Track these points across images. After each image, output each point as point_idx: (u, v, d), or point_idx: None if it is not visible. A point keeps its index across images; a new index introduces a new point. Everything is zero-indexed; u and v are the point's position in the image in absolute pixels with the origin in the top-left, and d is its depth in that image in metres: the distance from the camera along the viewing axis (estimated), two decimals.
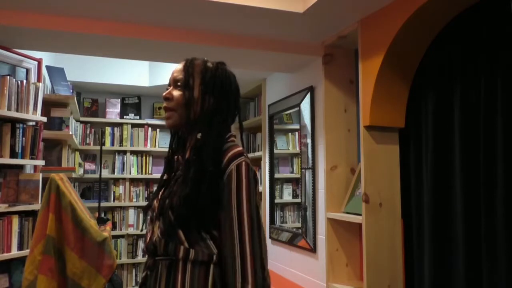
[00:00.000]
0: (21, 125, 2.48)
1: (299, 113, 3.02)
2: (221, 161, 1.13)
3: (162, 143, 4.52)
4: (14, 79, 2.44)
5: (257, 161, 4.00)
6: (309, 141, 2.87)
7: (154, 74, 4.23)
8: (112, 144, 4.38)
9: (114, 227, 4.31)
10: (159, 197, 1.22)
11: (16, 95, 2.45)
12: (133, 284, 4.36)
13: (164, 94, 1.23)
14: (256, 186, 1.15)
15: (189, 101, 1.19)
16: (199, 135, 1.20)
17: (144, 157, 4.48)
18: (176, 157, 1.28)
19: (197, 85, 1.21)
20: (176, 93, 1.21)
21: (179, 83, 1.22)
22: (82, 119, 4.26)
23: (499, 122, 1.75)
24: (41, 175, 2.60)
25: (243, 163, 1.12)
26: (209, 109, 1.21)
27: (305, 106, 2.93)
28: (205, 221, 1.11)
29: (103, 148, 4.18)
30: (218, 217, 1.12)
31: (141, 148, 4.46)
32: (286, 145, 3.36)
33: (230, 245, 1.08)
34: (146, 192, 4.47)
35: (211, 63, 1.26)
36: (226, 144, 1.18)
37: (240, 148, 1.16)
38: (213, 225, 1.12)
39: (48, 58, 3.37)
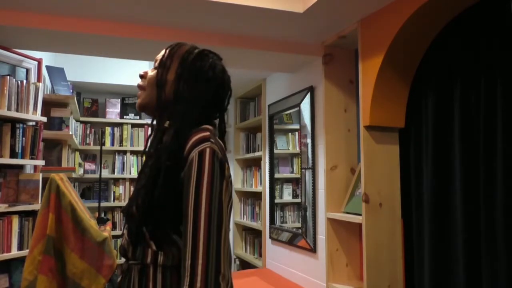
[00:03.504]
0: (21, 125, 2.48)
1: (299, 113, 3.02)
2: (182, 150, 1.00)
3: None
4: (14, 79, 2.44)
5: (257, 161, 4.00)
6: (309, 141, 2.87)
7: None
8: (112, 144, 4.39)
9: (114, 227, 4.31)
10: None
11: (16, 95, 2.45)
12: None
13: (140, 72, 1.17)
14: (223, 176, 0.98)
15: (160, 81, 1.10)
16: (167, 123, 1.09)
17: (144, 157, 4.47)
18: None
19: (174, 67, 1.11)
20: (151, 72, 1.14)
21: (157, 63, 1.14)
22: (82, 119, 4.26)
23: (499, 122, 1.75)
24: (41, 175, 2.60)
25: (207, 149, 0.97)
26: (181, 95, 1.08)
27: (305, 106, 2.93)
28: (169, 220, 0.99)
29: (103, 148, 4.18)
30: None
31: (141, 148, 4.46)
32: (286, 145, 3.36)
33: (184, 245, 0.94)
34: None
35: (199, 50, 1.15)
36: (192, 131, 1.04)
37: (206, 133, 1.01)
38: (181, 223, 0.99)
39: (48, 58, 3.37)
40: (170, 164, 0.99)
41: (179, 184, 0.98)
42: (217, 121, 1.17)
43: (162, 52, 1.16)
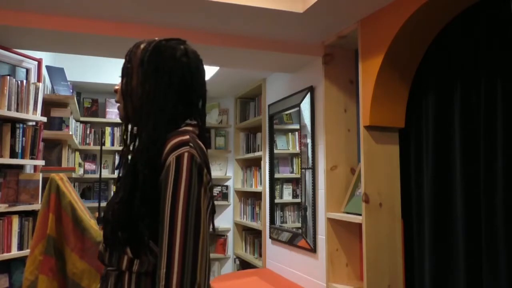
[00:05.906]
0: (21, 125, 2.48)
1: (299, 113, 3.02)
2: (160, 155, 0.96)
3: None
4: (14, 79, 2.44)
5: (257, 161, 4.00)
6: (309, 141, 2.87)
7: None
8: (112, 144, 4.38)
9: None
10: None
11: (16, 95, 2.45)
12: None
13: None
14: (202, 182, 0.95)
15: (126, 91, 1.05)
16: (134, 129, 1.06)
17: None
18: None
19: (135, 72, 1.05)
20: (120, 83, 1.09)
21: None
22: (82, 119, 4.26)
23: (499, 122, 1.75)
24: (41, 175, 2.60)
25: (186, 154, 0.94)
26: (148, 98, 1.02)
27: (305, 106, 2.93)
28: (148, 229, 0.97)
29: (103, 148, 4.18)
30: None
31: None
32: (286, 145, 3.36)
33: (160, 253, 0.91)
34: None
35: (155, 43, 1.07)
36: (170, 134, 0.99)
37: (185, 137, 0.97)
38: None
39: (48, 58, 3.37)
40: (148, 172, 0.95)
41: (157, 191, 0.95)
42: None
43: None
